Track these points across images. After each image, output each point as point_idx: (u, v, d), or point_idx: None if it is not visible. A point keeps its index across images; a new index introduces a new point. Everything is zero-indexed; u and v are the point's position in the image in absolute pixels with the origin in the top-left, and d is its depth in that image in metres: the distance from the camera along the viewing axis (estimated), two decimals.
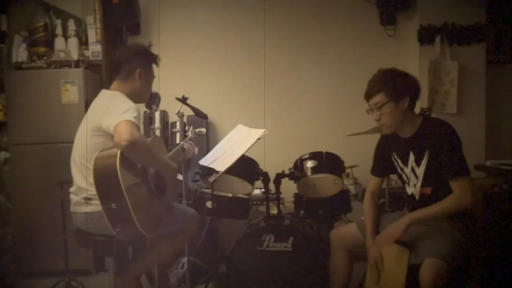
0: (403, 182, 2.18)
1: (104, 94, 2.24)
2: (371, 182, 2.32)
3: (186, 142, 2.57)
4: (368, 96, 2.10)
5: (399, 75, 2.07)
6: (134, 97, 2.22)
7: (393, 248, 2.01)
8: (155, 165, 2.12)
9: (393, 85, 2.03)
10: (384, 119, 2.07)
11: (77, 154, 2.17)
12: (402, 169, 2.16)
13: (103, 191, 1.86)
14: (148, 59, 2.30)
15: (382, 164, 2.27)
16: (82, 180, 2.11)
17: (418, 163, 2.07)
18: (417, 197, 2.11)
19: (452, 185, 1.96)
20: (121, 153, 1.88)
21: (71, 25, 3.58)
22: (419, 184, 2.08)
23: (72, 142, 2.24)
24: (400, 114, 2.05)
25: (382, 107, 2.05)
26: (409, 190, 2.15)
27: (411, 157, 2.09)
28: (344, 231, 2.34)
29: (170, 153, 2.36)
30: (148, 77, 2.31)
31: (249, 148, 2.37)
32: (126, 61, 2.25)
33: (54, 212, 3.01)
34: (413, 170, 2.09)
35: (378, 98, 2.05)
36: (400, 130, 2.11)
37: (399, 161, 2.16)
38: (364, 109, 2.18)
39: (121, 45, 3.63)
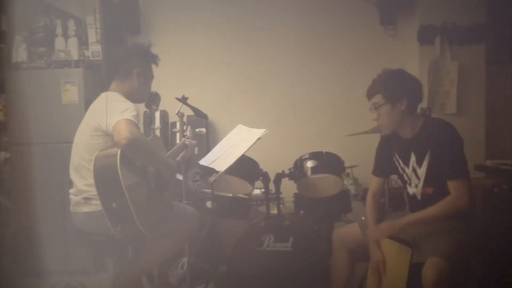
0: (404, 182, 2.18)
1: (102, 96, 2.24)
2: (373, 183, 2.32)
3: (187, 139, 2.56)
4: (367, 95, 2.13)
5: (399, 77, 2.08)
6: (133, 97, 2.22)
7: (395, 247, 2.01)
8: (155, 163, 2.12)
9: (391, 88, 2.04)
10: (381, 120, 2.09)
11: (76, 156, 2.17)
12: (403, 170, 2.16)
13: (104, 190, 1.86)
14: (146, 59, 2.30)
15: (384, 165, 2.27)
16: (80, 182, 2.11)
17: (419, 163, 2.07)
18: (419, 198, 2.11)
19: (449, 186, 1.96)
20: (121, 152, 1.88)
21: (71, 25, 3.58)
22: (420, 185, 2.08)
23: (72, 142, 2.24)
24: (397, 116, 2.06)
25: (379, 108, 2.07)
26: (411, 190, 2.15)
27: (413, 157, 2.09)
28: (346, 232, 2.34)
29: (171, 151, 2.36)
30: (147, 77, 2.31)
31: (249, 148, 2.37)
32: (124, 61, 2.25)
33: (54, 212, 3.01)
34: (414, 170, 2.09)
35: (376, 99, 2.08)
36: (400, 130, 2.12)
37: (400, 161, 2.16)
38: (364, 109, 2.19)
39: (120, 45, 3.63)
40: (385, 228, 2.04)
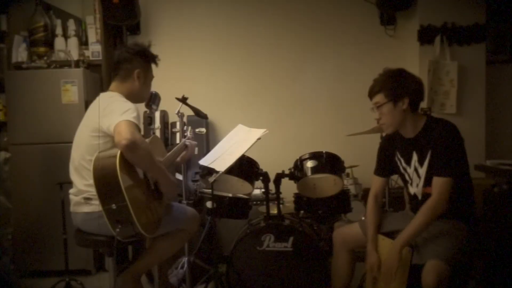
0: (406, 182, 2.18)
1: (102, 96, 2.23)
2: (374, 183, 2.30)
3: (187, 140, 2.56)
4: (369, 95, 2.13)
5: (400, 76, 2.07)
6: (133, 98, 2.21)
7: None
8: (152, 170, 2.08)
9: (392, 86, 2.04)
10: (383, 119, 2.09)
11: (76, 156, 2.16)
12: (405, 169, 2.16)
13: (103, 191, 1.86)
14: (147, 59, 2.30)
15: (386, 164, 2.27)
16: (81, 182, 2.11)
17: (421, 163, 2.06)
18: (419, 197, 2.10)
19: (433, 182, 1.97)
20: (121, 153, 1.88)
21: (71, 25, 3.59)
22: (421, 184, 2.08)
23: (72, 142, 2.24)
24: (399, 115, 2.05)
25: (381, 107, 2.06)
26: (412, 190, 2.14)
27: (414, 157, 2.09)
28: (347, 232, 2.33)
29: (171, 152, 2.36)
30: (147, 77, 2.31)
31: (249, 148, 2.37)
32: (125, 61, 2.24)
33: (54, 212, 3.02)
34: (416, 170, 2.09)
35: (378, 98, 2.07)
36: (402, 130, 2.11)
37: (402, 160, 2.16)
38: (364, 109, 2.19)
39: (121, 45, 3.63)
40: (390, 264, 1.97)
